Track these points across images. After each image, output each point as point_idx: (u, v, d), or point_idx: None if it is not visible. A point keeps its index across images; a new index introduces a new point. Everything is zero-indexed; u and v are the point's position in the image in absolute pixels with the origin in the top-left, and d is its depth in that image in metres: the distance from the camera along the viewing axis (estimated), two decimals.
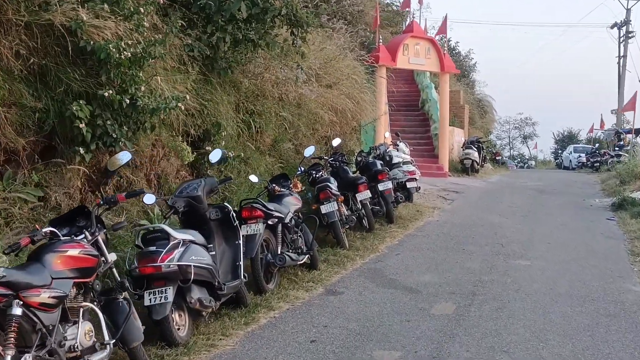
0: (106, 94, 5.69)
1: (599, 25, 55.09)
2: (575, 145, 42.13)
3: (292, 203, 7.40)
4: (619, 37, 35.91)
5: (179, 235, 5.07)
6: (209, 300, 5.20)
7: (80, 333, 3.79)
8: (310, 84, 11.72)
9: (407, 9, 20.18)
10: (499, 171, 26.58)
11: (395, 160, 13.79)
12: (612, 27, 36.27)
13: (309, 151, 8.91)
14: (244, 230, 6.41)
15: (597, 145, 34.30)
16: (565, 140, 58.84)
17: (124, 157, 5.08)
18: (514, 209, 13.67)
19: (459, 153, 22.50)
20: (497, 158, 29.86)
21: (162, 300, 4.80)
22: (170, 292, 4.83)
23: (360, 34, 18.07)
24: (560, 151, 55.18)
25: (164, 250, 4.86)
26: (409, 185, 13.13)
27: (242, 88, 9.33)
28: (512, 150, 65.99)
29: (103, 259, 4.29)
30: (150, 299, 4.81)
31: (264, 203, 6.67)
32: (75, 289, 3.87)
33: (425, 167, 19.57)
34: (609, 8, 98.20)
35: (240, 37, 8.12)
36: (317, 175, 9.42)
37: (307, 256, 7.40)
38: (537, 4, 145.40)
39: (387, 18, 19.31)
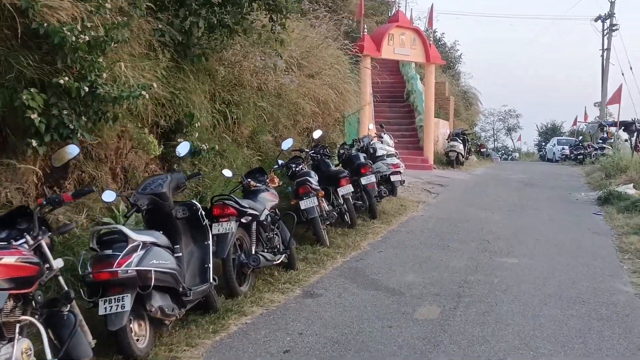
0: (62, 81, 5.19)
1: (584, 18, 54.83)
2: (558, 138, 42.03)
3: (268, 199, 6.96)
4: (603, 30, 35.74)
5: (138, 236, 4.62)
6: (172, 308, 4.76)
7: (17, 352, 3.33)
8: (292, 74, 11.26)
9: None
10: (483, 163, 26.32)
11: (380, 152, 13.40)
12: (596, 20, 36.07)
13: (287, 144, 8.44)
14: (215, 229, 5.97)
15: (580, 138, 34.17)
16: (549, 132, 58.80)
17: (71, 151, 4.58)
18: (499, 203, 13.35)
19: (444, 145, 22.18)
20: (481, 150, 29.62)
21: (119, 309, 4.35)
22: (128, 300, 4.38)
23: (344, 23, 17.58)
24: (543, 143, 55.15)
25: (121, 254, 4.41)
26: (393, 178, 12.73)
27: (218, 77, 8.84)
28: (496, 142, 65.87)
29: (47, 265, 3.83)
30: (105, 308, 4.36)
31: (237, 199, 6.22)
32: (11, 302, 3.41)
33: (410, 160, 19.21)
34: (594, 0, 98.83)
35: (215, 22, 7.63)
36: (297, 169, 8.99)
37: (284, 255, 6.97)
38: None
39: (372, 7, 18.88)
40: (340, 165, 11.20)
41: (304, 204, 8.27)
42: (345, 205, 9.58)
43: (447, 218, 11.26)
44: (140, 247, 4.56)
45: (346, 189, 9.44)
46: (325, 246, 8.40)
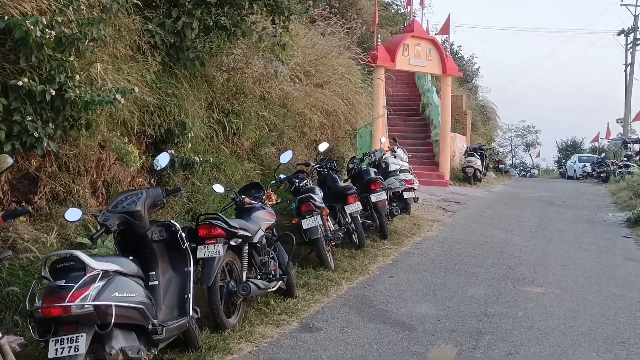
0: (20, 83, 4.52)
1: (606, 32, 53.86)
2: (579, 155, 40.93)
3: (263, 218, 6.22)
4: (626, 44, 34.81)
5: (99, 264, 3.90)
6: (137, 350, 4.00)
7: None
8: (299, 82, 10.58)
9: (409, 6, 19.03)
10: (502, 180, 25.41)
11: (392, 168, 12.68)
12: (619, 34, 35.18)
13: (286, 157, 7.64)
14: (200, 253, 5.25)
15: (603, 155, 33.10)
16: (569, 149, 57.65)
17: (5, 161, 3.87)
18: (521, 224, 12.50)
19: (461, 161, 21.35)
20: (500, 166, 28.70)
21: (72, 352, 3.63)
22: (83, 341, 3.66)
23: (356, 33, 16.91)
24: (563, 160, 54.00)
25: (76, 285, 3.70)
26: (406, 195, 11.99)
27: (215, 84, 8.17)
28: (514, 159, 64.80)
29: None
30: (56, 350, 3.64)
31: (226, 219, 5.48)
32: None
33: (425, 175, 18.44)
34: (616, 15, 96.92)
35: (211, 24, 6.97)
36: (301, 185, 8.26)
37: (280, 282, 6.22)
38: (544, 10, 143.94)
39: (386, 17, 18.21)
40: (349, 180, 10.47)
41: (306, 223, 7.52)
42: (352, 225, 8.82)
43: (464, 239, 10.45)
44: (100, 276, 3.84)
45: (354, 207, 8.69)
46: (330, 270, 7.63)
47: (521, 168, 59.44)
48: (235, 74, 8.70)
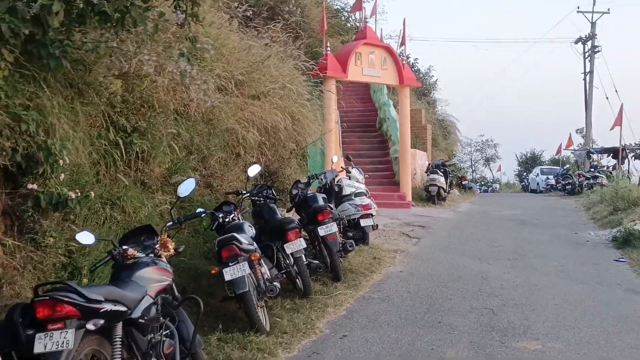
0: None
1: (562, 41, 53.50)
2: (541, 167, 40.05)
3: (152, 279, 4.29)
4: (584, 53, 34.09)
5: None
6: None
7: None
8: (229, 93, 8.78)
9: (358, 12, 17.47)
10: (466, 197, 23.97)
11: (347, 191, 11.01)
12: (576, 42, 34.46)
13: (186, 188, 5.57)
14: (38, 345, 3.35)
15: (566, 166, 32.14)
16: (529, 162, 57.15)
17: None
18: (495, 250, 10.86)
19: (423, 179, 19.76)
20: (463, 182, 27.30)
21: None
22: None
23: (303, 39, 15.24)
24: (525, 173, 53.38)
25: None
26: (363, 223, 10.25)
27: (108, 94, 6.28)
28: (474, 173, 64.04)
29: None
30: None
31: (80, 288, 3.57)
32: None
33: (385, 197, 16.77)
34: (572, 22, 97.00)
35: (84, 7, 5.11)
36: (227, 220, 6.43)
37: None
38: (500, 21, 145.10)
39: (337, 25, 16.62)
40: (294, 209, 8.68)
41: (229, 273, 5.67)
42: (295, 267, 7.00)
43: (433, 275, 8.72)
44: None
45: (296, 245, 6.87)
46: (263, 333, 5.76)
47: (482, 183, 58.71)
48: (140, 82, 6.84)
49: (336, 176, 11.15)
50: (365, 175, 12.92)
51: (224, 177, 8.54)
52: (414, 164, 20.58)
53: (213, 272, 5.77)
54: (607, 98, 30.96)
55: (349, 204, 10.42)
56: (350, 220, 10.35)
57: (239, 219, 6.71)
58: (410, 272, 8.89)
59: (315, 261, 7.42)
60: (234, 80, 8.98)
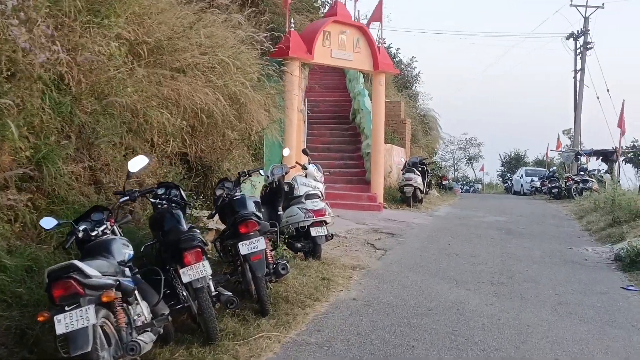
0: None
1: (553, 36, 51.53)
2: (526, 169, 38.31)
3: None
4: (575, 49, 32.35)
5: None
6: None
7: None
8: (134, 60, 6.71)
9: None
10: (446, 199, 22.06)
11: (302, 190, 9.11)
12: (567, 38, 32.70)
13: (136, 163, 3.88)
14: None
15: (553, 168, 30.39)
16: (512, 162, 55.65)
17: None
18: (477, 269, 8.90)
19: (399, 178, 17.78)
20: (443, 183, 25.42)
21: None
22: None
23: (265, 17, 13.16)
24: (508, 174, 51.76)
25: None
26: (314, 232, 8.34)
27: None
28: (456, 172, 62.35)
29: None
30: None
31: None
32: None
33: (352, 197, 14.85)
34: (564, 17, 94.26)
35: None
36: (92, 235, 4.40)
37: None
38: (486, 14, 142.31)
39: (308, 1, 14.54)
40: (217, 216, 6.66)
41: (62, 324, 3.62)
42: (197, 302, 4.96)
43: (395, 305, 6.73)
44: None
45: (195, 271, 4.85)
46: None
47: (464, 182, 57.15)
48: None
49: (286, 173, 9.18)
50: (326, 173, 10.93)
51: (123, 171, 6.47)
52: (390, 161, 18.65)
53: (40, 319, 3.71)
54: (597, 97, 29.12)
55: (299, 208, 8.46)
56: (299, 228, 8.39)
57: (116, 232, 4.67)
58: (367, 300, 6.89)
59: (226, 292, 5.34)
60: (146, 46, 6.90)
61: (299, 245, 8.45)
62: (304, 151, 10.48)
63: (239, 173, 6.98)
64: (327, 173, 11.28)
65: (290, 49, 12.53)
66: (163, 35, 7.23)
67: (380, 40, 14.69)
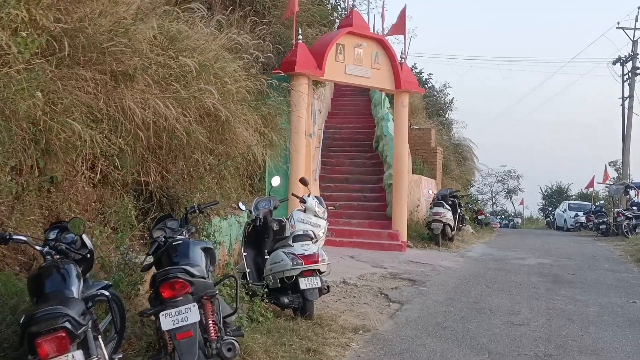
0: None
1: (599, 61, 49.04)
2: (570, 202, 35.74)
3: None
4: (623, 74, 29.99)
5: None
6: None
7: None
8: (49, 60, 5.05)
9: None
10: (482, 236, 19.93)
11: (299, 228, 7.43)
12: (614, 63, 30.36)
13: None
14: None
15: (600, 202, 27.93)
16: (554, 195, 52.85)
17: None
18: (518, 333, 6.86)
19: (427, 212, 15.79)
20: (479, 217, 23.25)
21: None
22: None
23: (270, 29, 11.53)
24: (550, 208, 49.01)
25: None
26: (303, 284, 6.54)
27: None
28: (494, 206, 59.70)
29: None
30: None
31: None
32: None
33: (371, 235, 12.99)
34: (611, 40, 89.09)
35: None
36: None
37: None
38: (527, 40, 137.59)
39: (318, 12, 12.97)
40: (154, 267, 4.86)
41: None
42: None
43: None
44: None
45: None
46: None
47: (503, 216, 54.57)
48: None
49: (275, 207, 7.44)
50: (330, 207, 9.14)
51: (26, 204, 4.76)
52: (418, 194, 16.75)
53: None
54: None
55: (285, 252, 6.64)
56: (285, 278, 6.56)
57: None
58: None
59: None
60: (71, 41, 5.23)
61: (286, 300, 6.61)
62: (301, 180, 8.68)
63: (185, 208, 5.18)
64: (332, 208, 9.52)
65: (297, 64, 10.88)
66: (99, 28, 5.56)
67: (403, 56, 12.90)
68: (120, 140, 5.52)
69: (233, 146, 7.93)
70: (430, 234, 14.61)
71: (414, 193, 16.57)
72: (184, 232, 4.85)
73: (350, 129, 18.41)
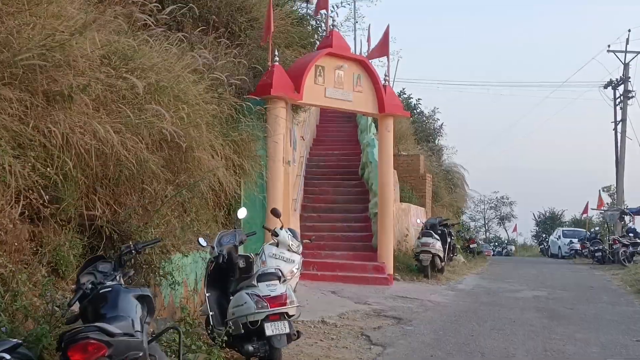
0: None
1: (590, 85, 48.55)
2: (564, 229, 35.12)
3: None
4: (615, 98, 29.65)
5: None
6: None
7: None
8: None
9: (322, 11, 13.14)
10: (474, 266, 19.19)
11: (270, 264, 6.76)
12: (606, 87, 30.03)
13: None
14: None
15: (596, 229, 27.32)
16: (548, 222, 52.23)
17: None
18: None
19: (415, 242, 15.06)
20: (471, 246, 22.53)
21: None
22: None
23: (245, 49, 10.91)
24: (543, 235, 48.38)
25: None
26: (269, 330, 5.77)
27: None
28: (487, 233, 59.01)
29: None
30: None
31: None
32: None
33: (356, 268, 12.26)
34: (601, 64, 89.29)
35: None
36: None
37: None
38: (515, 64, 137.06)
39: (297, 34, 12.41)
40: (80, 319, 4.11)
41: None
42: None
43: None
44: None
45: None
46: None
47: (496, 244, 53.91)
48: None
49: (241, 242, 6.73)
50: (305, 241, 8.44)
51: None
52: (407, 223, 16.08)
53: None
54: None
55: (248, 293, 5.89)
56: (249, 323, 5.80)
57: None
58: None
59: None
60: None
61: (251, 348, 5.82)
62: (273, 211, 7.95)
63: (120, 248, 4.44)
64: (308, 241, 8.78)
65: (273, 87, 10.23)
66: (28, 42, 4.88)
67: (387, 78, 12.29)
68: (50, 170, 4.80)
69: (197, 175, 7.24)
70: (418, 266, 13.87)
71: (402, 222, 15.87)
72: (117, 277, 4.13)
73: (336, 156, 17.76)
